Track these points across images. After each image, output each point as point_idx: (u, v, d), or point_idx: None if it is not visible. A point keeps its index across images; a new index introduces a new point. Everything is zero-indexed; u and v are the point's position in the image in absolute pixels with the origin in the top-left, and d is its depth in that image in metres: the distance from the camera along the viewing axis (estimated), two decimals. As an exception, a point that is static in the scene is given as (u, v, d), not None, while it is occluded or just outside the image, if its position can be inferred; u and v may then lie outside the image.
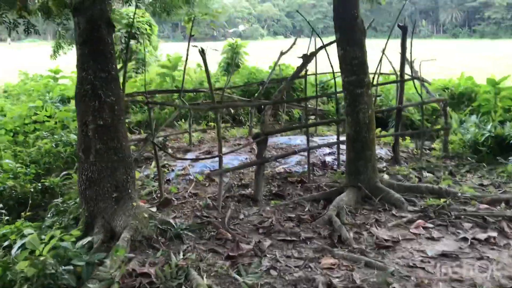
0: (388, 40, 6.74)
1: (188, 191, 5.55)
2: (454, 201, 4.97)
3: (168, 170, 6.36)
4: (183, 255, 3.94)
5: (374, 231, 4.33)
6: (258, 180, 5.24)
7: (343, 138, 5.74)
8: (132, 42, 14.45)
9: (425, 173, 6.11)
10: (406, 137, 8.16)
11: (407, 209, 4.82)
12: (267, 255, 3.95)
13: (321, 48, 5.54)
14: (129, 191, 4.86)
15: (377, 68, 8.11)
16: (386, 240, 4.14)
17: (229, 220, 4.70)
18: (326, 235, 4.31)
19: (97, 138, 4.84)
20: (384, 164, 6.67)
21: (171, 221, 4.52)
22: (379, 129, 8.90)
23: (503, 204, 4.82)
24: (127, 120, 8.73)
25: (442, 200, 4.84)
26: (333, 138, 8.24)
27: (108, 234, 4.55)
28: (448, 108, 7.38)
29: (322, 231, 4.40)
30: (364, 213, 4.82)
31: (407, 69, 7.06)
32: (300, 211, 4.92)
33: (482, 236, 4.14)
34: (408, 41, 6.62)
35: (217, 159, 6.72)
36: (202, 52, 4.62)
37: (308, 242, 4.19)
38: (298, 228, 4.50)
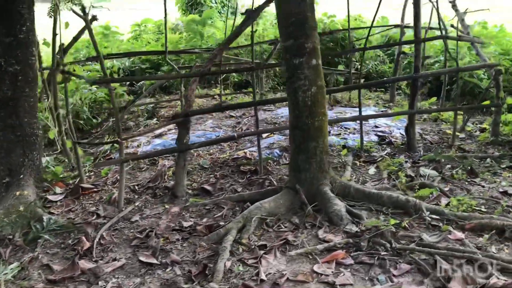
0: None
1: (115, 177, 4.76)
2: (419, 222, 3.47)
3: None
4: (11, 269, 3.21)
5: (266, 262, 3.12)
6: (178, 171, 4.24)
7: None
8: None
9: (425, 170, 4.50)
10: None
11: (344, 229, 3.46)
12: (99, 283, 3.03)
13: (269, 1, 4.16)
14: (21, 176, 4.24)
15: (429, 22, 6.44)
16: (261, 281, 2.92)
17: (116, 222, 3.83)
18: (201, 259, 3.23)
19: (-6, 113, 4.27)
20: (386, 151, 5.12)
21: (45, 218, 3.80)
22: (434, 98, 7.18)
23: (491, 235, 3.22)
24: (138, 84, 8.14)
25: (393, 221, 3.38)
26: (370, 111, 6.76)
27: (-12, 225, 4.02)
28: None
29: (203, 252, 3.32)
30: (283, 228, 3.58)
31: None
32: (208, 217, 3.84)
33: (405, 291, 2.71)
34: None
35: (198, 132, 5.88)
36: (87, 18, 3.67)
37: (168, 269, 3.15)
38: (180, 243, 3.47)
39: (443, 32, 6.06)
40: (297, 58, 3.69)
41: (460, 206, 3.71)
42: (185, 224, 3.70)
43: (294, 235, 3.45)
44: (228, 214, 3.86)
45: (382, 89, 8.40)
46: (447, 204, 3.74)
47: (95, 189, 4.52)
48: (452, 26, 6.23)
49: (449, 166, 4.68)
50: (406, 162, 4.80)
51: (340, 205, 3.63)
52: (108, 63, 8.93)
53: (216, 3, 14.56)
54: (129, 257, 3.33)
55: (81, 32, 5.63)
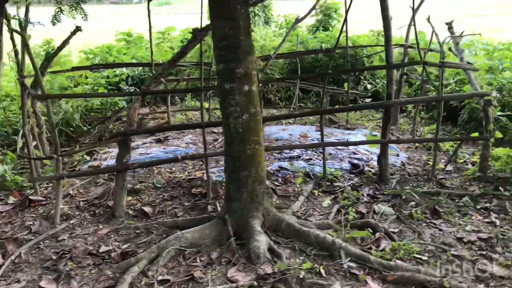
0: None
1: (69, 190, 4.74)
2: (339, 267, 3.19)
3: (90, 158, 5.60)
4: None
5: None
6: (117, 191, 4.15)
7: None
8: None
9: (380, 207, 4.17)
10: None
11: (258, 268, 3.23)
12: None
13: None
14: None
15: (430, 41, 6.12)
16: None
17: (43, 239, 3.79)
18: (97, 290, 3.11)
19: None
20: (353, 182, 4.80)
21: (-26, 231, 3.82)
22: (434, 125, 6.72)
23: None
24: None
25: (308, 265, 3.13)
26: (360, 135, 6.47)
27: None
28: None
29: (104, 281, 3.20)
30: (198, 262, 3.39)
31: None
32: (132, 242, 3.72)
33: None
34: None
35: (171, 147, 5.80)
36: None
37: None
38: (90, 269, 3.37)
39: (440, 55, 5.69)
40: (228, 83, 3.50)
41: (397, 252, 3.38)
42: (103, 248, 3.59)
43: (205, 271, 3.26)
44: (154, 241, 3.72)
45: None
46: (382, 250, 3.42)
47: (43, 202, 4.51)
48: (449, 49, 5.82)
49: (413, 203, 4.32)
50: (368, 195, 4.47)
51: (261, 242, 3.41)
52: (117, 70, 9.05)
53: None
54: (33, 279, 3.26)
55: (65, 42, 5.71)
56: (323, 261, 3.26)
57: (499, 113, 6.46)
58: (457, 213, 4.18)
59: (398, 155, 5.71)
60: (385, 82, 8.48)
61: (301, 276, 3.01)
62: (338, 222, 3.88)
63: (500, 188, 4.58)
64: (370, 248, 3.43)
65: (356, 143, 5.11)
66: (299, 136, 6.11)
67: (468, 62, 5.35)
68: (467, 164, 5.55)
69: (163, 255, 3.37)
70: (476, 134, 5.22)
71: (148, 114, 7.25)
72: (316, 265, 3.17)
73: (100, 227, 4.00)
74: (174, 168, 5.22)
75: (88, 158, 5.58)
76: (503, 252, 3.47)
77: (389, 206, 4.19)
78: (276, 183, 4.72)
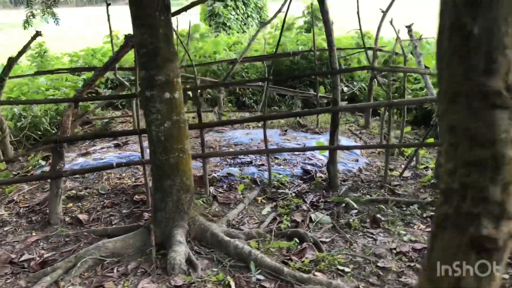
0: None
1: (15, 196, 4.73)
2: (247, 280, 3.12)
3: (46, 162, 5.58)
4: None
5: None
6: (51, 199, 4.12)
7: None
8: (218, 3, 13.79)
9: (318, 215, 4.08)
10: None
11: (171, 279, 3.18)
12: None
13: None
14: None
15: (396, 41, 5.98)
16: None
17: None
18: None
19: None
20: (299, 188, 4.72)
21: None
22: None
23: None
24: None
25: (218, 277, 3.07)
26: (323, 139, 6.36)
27: None
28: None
29: (12, 294, 3.17)
30: (114, 273, 3.35)
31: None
32: (58, 250, 3.69)
33: None
34: None
35: (126, 152, 5.77)
36: None
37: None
38: (6, 278, 3.34)
39: (403, 59, 5.60)
40: (148, 91, 3.45)
41: (319, 263, 3.30)
42: (25, 257, 3.56)
43: (117, 282, 3.21)
44: (80, 249, 3.68)
45: (361, 114, 7.87)
46: (303, 261, 3.34)
47: (-15, 209, 4.50)
48: (411, 53, 5.71)
49: (355, 211, 4.23)
50: (311, 202, 4.38)
51: (179, 252, 3.35)
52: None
53: (237, 14, 14.48)
54: None
55: (25, 47, 5.72)
56: (238, 273, 3.19)
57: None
58: (400, 222, 4.08)
59: (357, 161, 5.61)
60: (363, 84, 8.43)
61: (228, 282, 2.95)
62: (269, 231, 3.80)
63: (450, 195, 4.45)
64: (290, 259, 3.35)
65: (303, 149, 5.01)
66: (260, 141, 6.03)
67: (426, 66, 5.23)
68: (427, 170, 5.42)
69: (78, 265, 3.32)
70: (431, 140, 5.10)
71: (117, 117, 7.23)
72: (228, 277, 3.11)
73: (33, 234, 3.98)
74: (124, 174, 5.18)
75: (43, 163, 5.56)
76: (432, 264, 3.35)
77: (327, 215, 4.10)
78: (220, 189, 4.66)
